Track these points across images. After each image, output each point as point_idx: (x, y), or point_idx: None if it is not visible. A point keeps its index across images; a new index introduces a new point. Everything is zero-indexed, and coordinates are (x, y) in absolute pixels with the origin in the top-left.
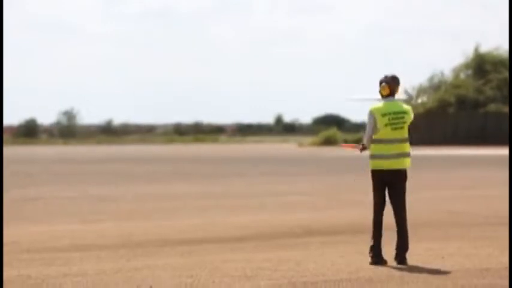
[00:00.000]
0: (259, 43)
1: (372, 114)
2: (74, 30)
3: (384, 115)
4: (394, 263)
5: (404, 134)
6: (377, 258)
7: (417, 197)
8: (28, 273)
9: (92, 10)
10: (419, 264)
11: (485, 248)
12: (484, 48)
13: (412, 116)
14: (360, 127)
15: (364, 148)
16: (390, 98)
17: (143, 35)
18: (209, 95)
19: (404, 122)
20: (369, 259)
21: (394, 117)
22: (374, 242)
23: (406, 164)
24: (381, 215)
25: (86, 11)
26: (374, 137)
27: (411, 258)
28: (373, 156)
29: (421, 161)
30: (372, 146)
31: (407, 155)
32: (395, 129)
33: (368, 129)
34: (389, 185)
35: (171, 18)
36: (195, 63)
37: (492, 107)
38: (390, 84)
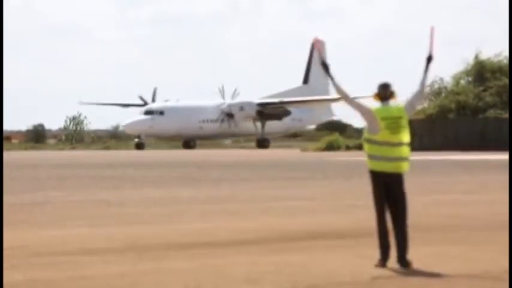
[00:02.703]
0: (268, 47)
1: (372, 112)
2: (82, 35)
3: (383, 119)
4: (396, 266)
5: (403, 138)
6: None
7: (418, 201)
8: (36, 277)
9: (100, 16)
10: (421, 267)
11: (486, 252)
12: (485, 55)
13: (407, 117)
14: (361, 132)
15: (326, 65)
16: (386, 102)
17: (151, 41)
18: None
19: (401, 126)
20: (376, 262)
21: (393, 122)
22: (382, 255)
23: (404, 168)
24: (385, 223)
25: (95, 17)
26: (373, 137)
27: (412, 261)
28: (369, 156)
29: (422, 165)
30: (368, 146)
31: (405, 159)
32: (394, 133)
33: (359, 102)
34: (388, 187)
35: (179, 25)
36: (202, 68)
37: (491, 113)
38: (378, 93)
